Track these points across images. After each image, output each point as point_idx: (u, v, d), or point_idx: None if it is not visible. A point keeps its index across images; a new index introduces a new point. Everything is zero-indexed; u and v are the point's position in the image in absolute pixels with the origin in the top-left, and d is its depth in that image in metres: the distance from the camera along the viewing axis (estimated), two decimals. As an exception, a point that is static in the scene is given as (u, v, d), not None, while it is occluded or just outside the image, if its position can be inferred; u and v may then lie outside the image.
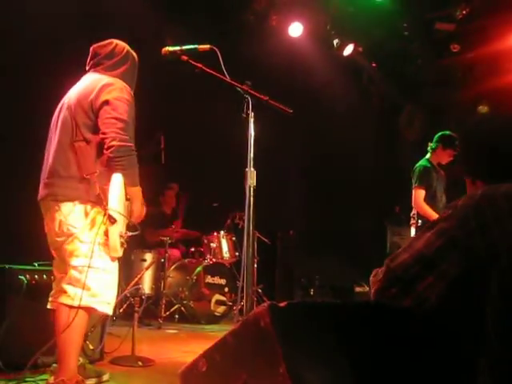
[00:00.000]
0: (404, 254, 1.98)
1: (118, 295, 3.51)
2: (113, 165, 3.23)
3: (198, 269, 6.99)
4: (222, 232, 7.45)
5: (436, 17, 8.66)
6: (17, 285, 3.82)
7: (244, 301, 2.82)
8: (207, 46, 3.17)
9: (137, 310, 4.47)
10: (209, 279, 7.07)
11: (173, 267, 7.08)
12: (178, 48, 3.25)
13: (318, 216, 9.27)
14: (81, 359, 3.61)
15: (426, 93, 9.92)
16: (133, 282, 5.01)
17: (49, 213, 3.36)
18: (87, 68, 3.66)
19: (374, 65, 9.94)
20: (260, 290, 7.25)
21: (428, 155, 6.16)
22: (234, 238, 7.52)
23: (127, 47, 3.68)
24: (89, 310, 3.28)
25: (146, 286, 6.65)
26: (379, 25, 8.67)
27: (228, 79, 3.05)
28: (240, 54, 6.41)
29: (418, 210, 6.03)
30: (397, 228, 9.25)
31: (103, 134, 3.23)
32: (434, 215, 5.79)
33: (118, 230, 3.25)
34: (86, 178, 3.24)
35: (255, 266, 7.33)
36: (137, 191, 3.43)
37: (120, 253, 3.33)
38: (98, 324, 4.26)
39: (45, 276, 3.97)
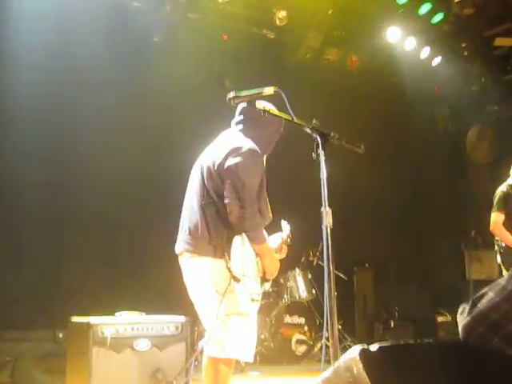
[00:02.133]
0: (491, 292, 1.92)
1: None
2: (237, 228, 3.40)
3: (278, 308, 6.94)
4: (297, 270, 7.38)
5: (494, 33, 8.52)
6: (101, 338, 3.90)
7: (330, 340, 2.76)
8: (272, 89, 3.17)
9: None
10: (287, 319, 7.00)
11: (251, 309, 7.03)
12: (243, 94, 3.26)
13: (395, 249, 9.12)
14: None
15: (492, 112, 9.72)
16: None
17: (183, 265, 3.59)
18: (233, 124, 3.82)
19: (436, 88, 9.82)
20: (340, 327, 7.12)
21: (510, 180, 6.01)
22: (309, 276, 7.44)
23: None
24: (231, 361, 3.47)
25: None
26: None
27: (296, 120, 3.05)
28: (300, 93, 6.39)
29: (496, 235, 5.88)
30: (474, 252, 9.01)
31: (228, 199, 3.38)
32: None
33: (247, 288, 3.42)
34: (214, 242, 3.42)
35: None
36: (265, 248, 3.55)
37: (251, 308, 3.51)
38: (182, 372, 4.27)
39: (125, 328, 4.03)
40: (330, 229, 2.79)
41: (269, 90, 3.19)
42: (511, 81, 9.14)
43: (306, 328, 7.07)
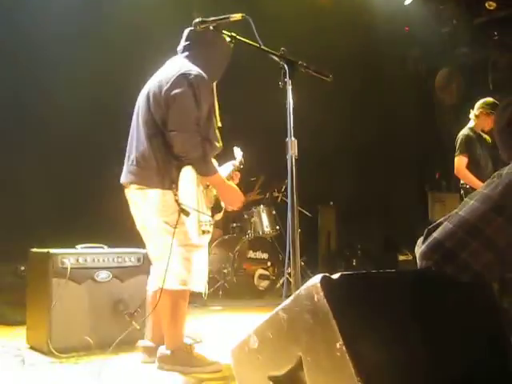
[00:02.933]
0: (446, 221, 1.93)
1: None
2: (183, 160, 3.35)
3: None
4: (261, 206, 7.38)
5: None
6: (61, 269, 3.84)
7: (292, 275, 2.74)
8: (239, 15, 3.06)
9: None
10: (251, 254, 7.04)
11: (214, 244, 7.04)
12: (209, 19, 3.14)
13: (358, 186, 9.14)
14: None
15: (462, 54, 9.66)
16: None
17: (130, 196, 3.55)
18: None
19: (407, 28, 9.70)
20: (303, 263, 7.19)
21: (471, 123, 6.03)
22: (273, 212, 7.45)
23: None
24: (183, 292, 3.47)
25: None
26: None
27: (263, 47, 2.95)
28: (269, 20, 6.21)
29: (461, 178, 5.93)
30: (438, 194, 9.10)
31: (171, 131, 3.32)
32: (478, 183, 5.67)
33: (195, 220, 3.37)
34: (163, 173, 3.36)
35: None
36: (216, 179, 3.50)
37: (202, 240, 3.49)
38: (143, 304, 4.26)
39: (86, 259, 3.98)
40: (295, 160, 2.74)
41: (236, 16, 3.07)
42: (482, 24, 9.05)
43: (268, 263, 7.12)
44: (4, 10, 6.30)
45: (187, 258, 3.39)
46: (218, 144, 3.55)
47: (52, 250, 3.90)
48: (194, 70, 3.37)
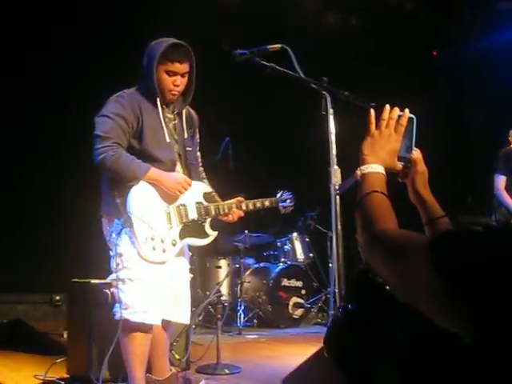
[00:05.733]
0: None
1: (198, 304, 3.50)
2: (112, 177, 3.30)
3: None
4: (294, 234, 7.37)
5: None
6: (102, 298, 3.86)
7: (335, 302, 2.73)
8: (278, 46, 3.09)
9: (219, 317, 4.43)
10: (285, 282, 7.00)
11: (248, 272, 7.04)
12: (248, 50, 3.18)
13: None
14: (172, 369, 3.64)
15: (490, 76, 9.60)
16: (215, 290, 4.99)
17: None
18: None
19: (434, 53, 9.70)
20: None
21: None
22: (307, 239, 7.44)
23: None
24: (127, 323, 3.24)
25: (223, 293, 6.65)
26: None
27: (303, 77, 2.97)
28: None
29: (497, 197, 5.88)
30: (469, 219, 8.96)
31: None
32: (510, 204, 5.63)
33: (141, 235, 3.22)
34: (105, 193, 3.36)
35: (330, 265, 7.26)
36: (151, 175, 3.29)
37: (152, 257, 3.26)
38: (183, 333, 4.26)
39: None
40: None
41: (275, 47, 3.11)
42: None
43: (303, 291, 7.08)
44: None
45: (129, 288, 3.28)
46: (161, 156, 3.38)
47: (93, 281, 3.93)
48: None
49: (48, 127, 6.75)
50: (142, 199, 3.28)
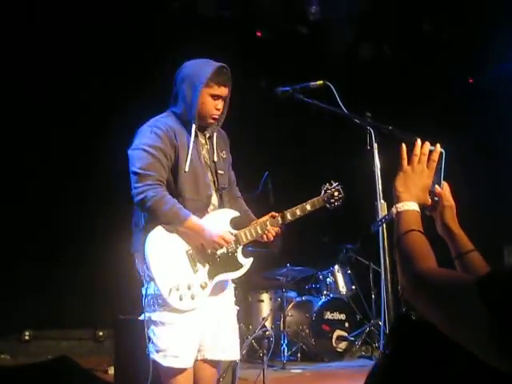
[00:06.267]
0: None
1: (242, 338, 3.44)
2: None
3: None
4: (336, 266, 7.35)
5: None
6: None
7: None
8: (320, 82, 3.14)
9: (265, 352, 4.43)
10: (328, 315, 6.96)
11: (290, 305, 7.02)
12: (290, 87, 3.23)
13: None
14: None
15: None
16: (260, 325, 4.99)
17: None
18: None
19: (470, 80, 9.67)
20: (380, 323, 7.09)
21: None
22: (349, 272, 7.41)
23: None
24: (160, 365, 3.11)
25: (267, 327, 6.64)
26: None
27: (347, 112, 3.01)
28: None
29: None
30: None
31: None
32: None
33: (164, 286, 3.06)
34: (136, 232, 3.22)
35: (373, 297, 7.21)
36: (189, 225, 3.10)
37: (180, 306, 3.08)
38: (229, 369, 4.26)
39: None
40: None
41: (317, 83, 3.16)
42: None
43: (346, 324, 7.02)
44: None
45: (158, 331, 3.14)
46: (196, 196, 3.25)
47: (140, 317, 3.97)
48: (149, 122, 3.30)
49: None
50: (160, 245, 3.11)
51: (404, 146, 1.79)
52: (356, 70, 8.08)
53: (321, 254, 7.55)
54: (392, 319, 2.70)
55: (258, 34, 7.81)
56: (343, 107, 3.03)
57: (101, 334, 7.11)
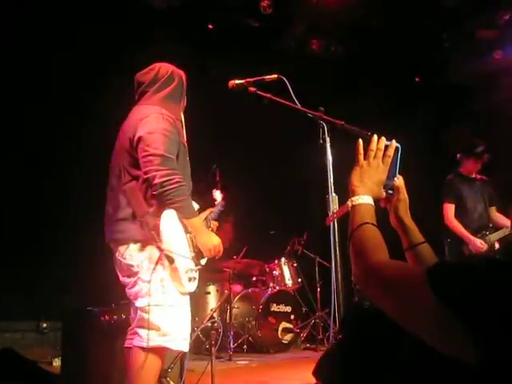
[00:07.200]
0: None
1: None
2: (162, 201, 3.13)
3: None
4: (283, 259, 7.42)
5: (476, 24, 8.57)
6: (98, 325, 3.88)
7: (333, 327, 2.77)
8: (274, 76, 3.17)
9: (213, 343, 4.43)
10: (274, 307, 7.03)
11: (237, 298, 7.06)
12: (243, 80, 3.25)
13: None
14: None
15: (472, 101, 9.77)
16: (208, 316, 4.99)
17: (113, 254, 3.33)
18: (136, 98, 3.51)
19: (417, 79, 9.86)
20: (325, 315, 7.21)
21: (459, 166, 6.05)
22: (295, 265, 7.49)
23: (172, 68, 3.50)
24: (162, 350, 3.17)
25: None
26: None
27: (300, 106, 3.04)
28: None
29: (448, 226, 5.86)
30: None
31: (145, 173, 3.12)
32: (462, 232, 5.67)
33: (182, 267, 3.15)
34: (140, 220, 3.16)
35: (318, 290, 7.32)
36: (195, 223, 3.26)
37: (188, 288, 3.20)
38: (178, 360, 4.26)
39: (123, 315, 4.00)
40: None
41: (271, 77, 3.19)
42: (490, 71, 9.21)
43: (292, 316, 7.10)
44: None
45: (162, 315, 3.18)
46: (190, 184, 3.40)
47: (88, 308, 3.94)
48: (154, 108, 3.36)
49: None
50: (177, 228, 3.20)
51: (361, 140, 1.83)
52: (307, 65, 8.15)
53: (268, 246, 7.60)
54: (342, 311, 2.75)
55: (210, 26, 7.76)
56: (296, 101, 3.05)
57: (44, 325, 6.99)
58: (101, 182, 3.50)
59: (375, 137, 1.82)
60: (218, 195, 4.08)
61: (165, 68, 3.49)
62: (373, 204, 1.73)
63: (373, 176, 1.78)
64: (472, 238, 5.67)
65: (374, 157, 1.81)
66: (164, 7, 7.21)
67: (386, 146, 1.82)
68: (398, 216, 1.89)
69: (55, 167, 6.70)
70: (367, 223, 1.65)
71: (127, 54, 6.43)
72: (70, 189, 6.57)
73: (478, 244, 5.63)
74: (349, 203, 1.74)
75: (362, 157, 1.81)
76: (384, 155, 1.81)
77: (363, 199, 1.72)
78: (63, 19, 6.50)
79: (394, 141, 1.83)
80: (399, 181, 1.89)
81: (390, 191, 1.86)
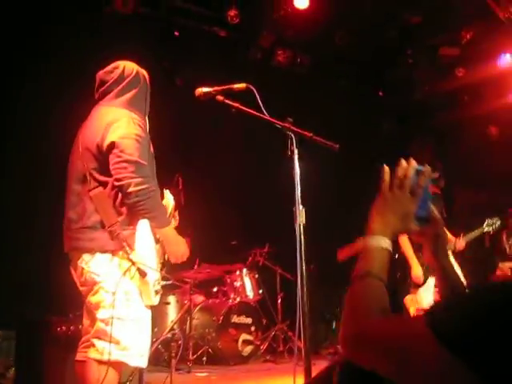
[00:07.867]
0: None
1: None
2: (135, 211, 3.03)
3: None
4: (244, 270, 7.35)
5: (439, 42, 8.71)
6: (54, 336, 3.78)
7: (302, 341, 2.73)
8: (243, 85, 3.13)
9: (173, 355, 4.37)
10: (235, 319, 6.95)
11: (197, 308, 6.96)
12: (212, 89, 3.20)
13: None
14: None
15: (434, 118, 9.93)
16: (169, 328, 4.90)
17: (72, 262, 3.21)
18: (96, 97, 3.40)
19: (380, 93, 9.98)
20: (286, 328, 7.18)
21: None
22: (256, 276, 7.43)
23: (136, 68, 3.40)
24: (120, 364, 3.06)
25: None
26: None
27: (268, 117, 3.00)
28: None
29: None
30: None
31: (117, 180, 3.01)
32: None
33: (151, 280, 3.06)
34: (109, 229, 3.05)
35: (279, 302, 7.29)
36: (168, 232, 3.21)
37: (155, 301, 3.15)
38: (136, 373, 4.17)
39: (80, 326, 3.90)
40: (304, 227, 2.77)
41: (240, 86, 3.15)
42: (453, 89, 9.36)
43: (252, 328, 7.03)
44: None
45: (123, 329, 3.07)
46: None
47: (44, 318, 3.84)
48: (124, 112, 3.28)
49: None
50: (149, 239, 3.11)
51: (387, 168, 1.55)
52: (273, 76, 8.15)
53: (229, 257, 7.54)
54: (307, 326, 2.72)
55: (176, 33, 7.70)
56: (265, 111, 3.02)
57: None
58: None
59: (403, 162, 1.53)
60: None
61: (129, 67, 3.39)
62: (388, 247, 1.48)
63: (398, 210, 1.51)
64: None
65: (400, 187, 1.52)
66: (130, 13, 7.12)
67: (419, 172, 1.51)
68: (434, 255, 1.62)
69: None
70: (370, 275, 1.43)
71: (92, 62, 6.31)
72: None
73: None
74: (361, 242, 1.51)
75: (386, 186, 1.53)
76: (417, 185, 1.52)
77: (377, 241, 1.48)
78: (26, 21, 6.38)
79: (427, 166, 1.53)
80: (435, 211, 1.58)
81: (424, 222, 1.55)
